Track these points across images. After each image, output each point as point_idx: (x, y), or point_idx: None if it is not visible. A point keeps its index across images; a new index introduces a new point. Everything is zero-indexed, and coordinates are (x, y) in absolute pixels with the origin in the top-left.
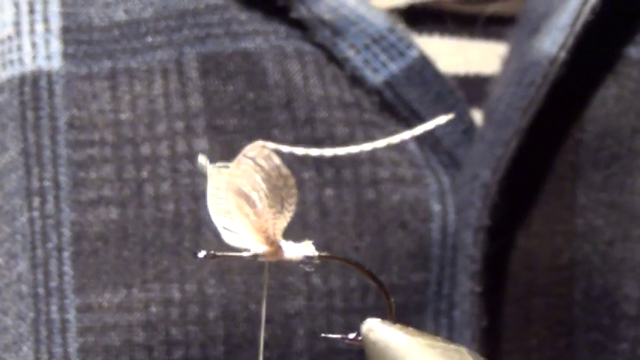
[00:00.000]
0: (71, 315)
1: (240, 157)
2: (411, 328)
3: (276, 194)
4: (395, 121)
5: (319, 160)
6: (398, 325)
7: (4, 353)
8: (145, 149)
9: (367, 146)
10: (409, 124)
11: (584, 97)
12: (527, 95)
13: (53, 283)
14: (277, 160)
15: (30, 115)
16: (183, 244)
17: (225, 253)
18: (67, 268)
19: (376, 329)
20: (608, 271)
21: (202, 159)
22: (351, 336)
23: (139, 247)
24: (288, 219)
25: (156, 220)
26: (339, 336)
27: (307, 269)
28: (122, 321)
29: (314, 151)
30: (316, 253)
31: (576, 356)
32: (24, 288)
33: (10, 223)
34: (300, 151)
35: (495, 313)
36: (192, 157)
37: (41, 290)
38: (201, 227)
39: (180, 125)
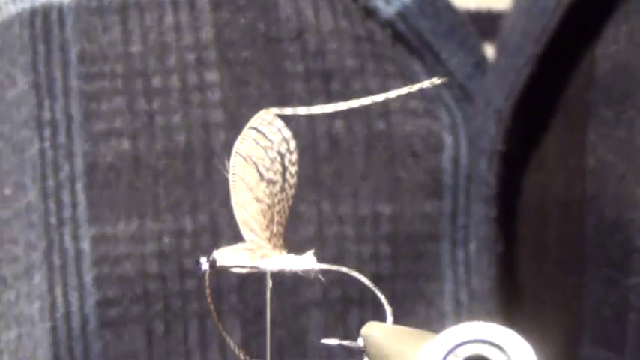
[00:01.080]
0: (85, 244)
1: (245, 129)
2: (410, 329)
3: (279, 164)
4: (407, 54)
5: (330, 92)
6: (399, 329)
7: (15, 282)
8: (156, 81)
9: (366, 100)
10: (421, 57)
11: (595, 34)
12: (540, 22)
13: (66, 213)
14: (279, 123)
15: (41, 48)
16: (195, 175)
17: (226, 265)
18: (81, 198)
19: (377, 333)
20: (620, 205)
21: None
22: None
23: (151, 179)
24: (291, 200)
25: (167, 151)
26: (337, 342)
27: (309, 278)
28: (136, 251)
29: (315, 109)
30: (317, 266)
31: (587, 291)
32: (34, 217)
33: (18, 154)
34: (302, 110)
35: (510, 247)
36: (203, 88)
37: (53, 220)
38: (212, 158)
39: (191, 57)
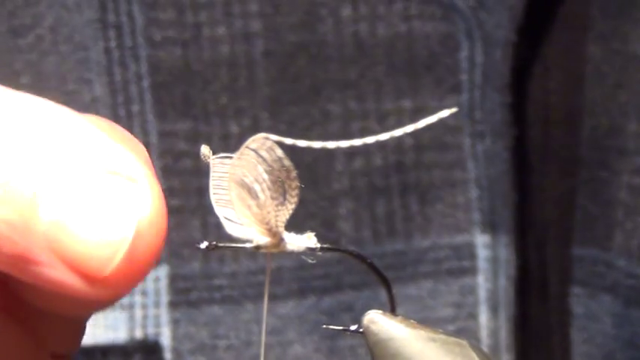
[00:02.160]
0: (154, 138)
1: (242, 148)
2: (412, 321)
3: (279, 186)
4: None
5: None
6: (399, 317)
7: None
8: None
9: (370, 139)
10: None
11: None
12: None
13: (135, 107)
14: (280, 152)
15: None
16: (239, 83)
17: (227, 244)
18: (147, 96)
19: (378, 321)
20: (615, 112)
21: (205, 149)
22: (353, 327)
23: (200, 85)
24: (291, 211)
25: (213, 60)
26: (340, 328)
27: (310, 261)
28: (191, 149)
29: (316, 144)
30: (318, 245)
31: (581, 193)
32: (102, 110)
33: (81, 52)
34: (302, 143)
35: (520, 143)
36: (243, 1)
37: (122, 112)
38: (253, 66)
39: None
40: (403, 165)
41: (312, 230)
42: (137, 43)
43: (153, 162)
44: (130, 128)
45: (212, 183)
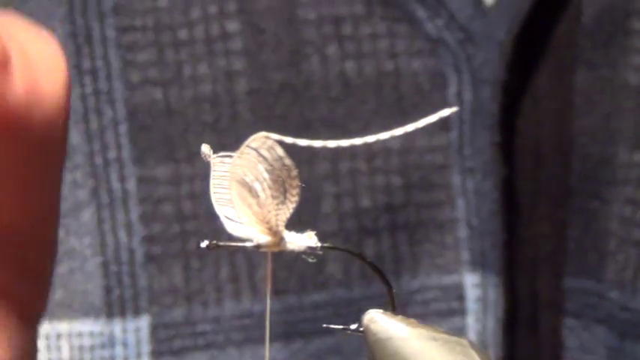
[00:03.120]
0: (131, 184)
1: (243, 147)
2: (412, 320)
3: (280, 185)
4: None
5: (341, 36)
6: (399, 317)
7: (63, 219)
8: (182, 33)
9: (370, 138)
10: (424, 2)
11: None
12: None
13: (112, 154)
14: (281, 151)
15: (77, 1)
16: (221, 121)
17: (228, 243)
18: (125, 141)
19: (378, 320)
20: (605, 141)
21: (206, 148)
22: (353, 327)
23: (182, 125)
24: (291, 210)
25: (195, 99)
26: (340, 327)
27: (310, 260)
28: (172, 193)
29: (317, 143)
30: (319, 244)
31: (572, 223)
32: (78, 159)
33: None
34: (302, 142)
35: (510, 178)
36: (225, 38)
37: (99, 160)
38: (236, 104)
39: (213, 9)
40: (392, 206)
41: (300, 273)
42: (113, 87)
43: (131, 209)
44: (107, 176)
45: (212, 182)
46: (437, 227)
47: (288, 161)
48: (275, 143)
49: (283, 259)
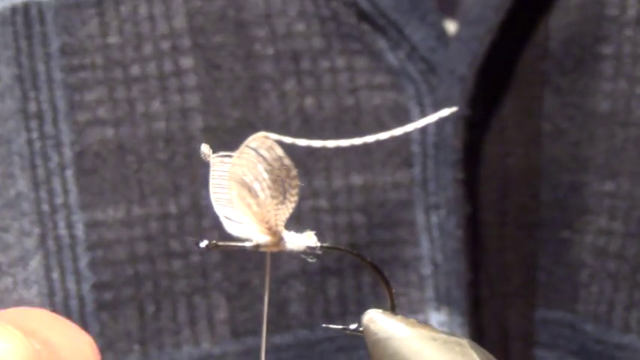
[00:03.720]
0: (79, 230)
1: (242, 147)
2: (412, 320)
3: (279, 185)
4: (372, 31)
5: (299, 71)
6: (399, 317)
7: (10, 269)
8: (135, 70)
9: (370, 138)
10: (385, 33)
11: (548, 6)
12: None
13: (58, 200)
14: (280, 151)
15: (23, 43)
16: (176, 159)
17: (227, 243)
18: (71, 186)
19: (377, 320)
20: (575, 169)
21: (205, 148)
22: (352, 327)
23: (135, 164)
24: (291, 209)
25: (149, 137)
26: (340, 327)
27: (309, 260)
28: (125, 236)
29: (316, 143)
30: (318, 244)
31: (543, 254)
32: (25, 206)
33: (5, 145)
34: (302, 142)
35: (475, 211)
36: (179, 74)
37: (46, 207)
38: (192, 142)
39: (166, 45)
40: (355, 245)
41: (262, 314)
42: (60, 130)
43: (80, 256)
44: (54, 223)
45: (212, 182)
46: (401, 266)
47: (287, 161)
48: (274, 143)
49: (243, 300)
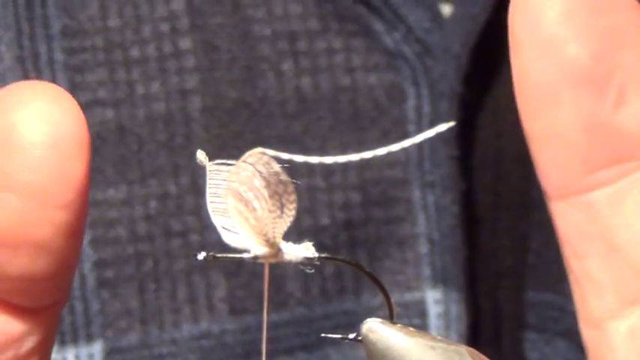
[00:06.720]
0: None
1: (239, 162)
2: (411, 329)
3: (276, 200)
4: (368, 12)
5: (296, 52)
6: (398, 326)
7: None
8: (134, 52)
9: (368, 154)
10: (382, 15)
11: None
12: None
13: None
14: (277, 167)
15: (24, 25)
16: (175, 140)
17: (226, 255)
18: None
19: (376, 329)
20: None
21: (201, 155)
22: (351, 336)
23: (135, 145)
24: (289, 223)
25: (148, 118)
26: (339, 336)
27: (307, 270)
28: (125, 215)
29: (314, 159)
30: (316, 255)
31: (534, 237)
32: None
33: None
34: (299, 158)
35: (470, 191)
36: (178, 56)
37: None
38: (191, 122)
39: (165, 27)
40: (351, 223)
41: (258, 292)
42: None
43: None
44: None
45: (208, 191)
46: (397, 243)
47: (284, 177)
48: (271, 159)
49: (241, 278)
